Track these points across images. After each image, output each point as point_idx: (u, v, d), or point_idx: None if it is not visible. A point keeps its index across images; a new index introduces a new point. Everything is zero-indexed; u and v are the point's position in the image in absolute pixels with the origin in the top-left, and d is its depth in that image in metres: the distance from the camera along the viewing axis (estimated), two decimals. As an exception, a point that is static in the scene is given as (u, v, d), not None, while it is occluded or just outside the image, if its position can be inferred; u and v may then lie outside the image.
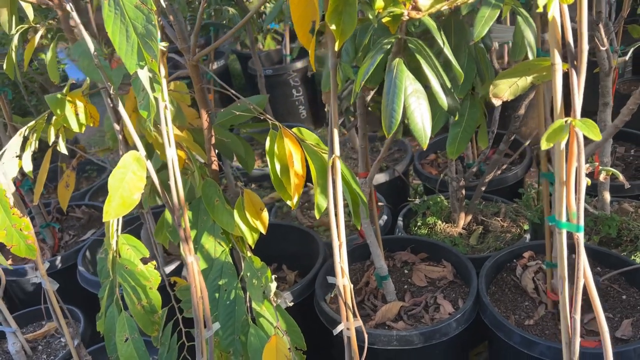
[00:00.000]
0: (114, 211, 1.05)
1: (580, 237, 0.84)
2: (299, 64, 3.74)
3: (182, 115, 1.60)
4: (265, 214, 1.39)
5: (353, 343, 1.20)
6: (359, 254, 1.86)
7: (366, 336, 1.21)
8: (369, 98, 1.79)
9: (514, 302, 1.61)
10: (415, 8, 0.78)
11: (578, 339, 0.95)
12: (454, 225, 2.00)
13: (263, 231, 1.40)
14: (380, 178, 2.38)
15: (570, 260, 1.69)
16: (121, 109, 1.12)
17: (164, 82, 1.08)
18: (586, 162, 1.69)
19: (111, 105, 1.40)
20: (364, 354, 1.21)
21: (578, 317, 0.92)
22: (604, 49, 1.66)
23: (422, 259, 1.84)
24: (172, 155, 1.13)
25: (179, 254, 2.16)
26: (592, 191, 1.97)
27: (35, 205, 2.21)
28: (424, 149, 0.91)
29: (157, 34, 0.90)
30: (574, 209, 0.84)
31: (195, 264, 1.23)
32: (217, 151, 1.62)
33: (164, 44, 1.04)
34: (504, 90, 0.87)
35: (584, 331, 1.50)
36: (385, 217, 2.11)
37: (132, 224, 2.08)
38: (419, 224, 2.06)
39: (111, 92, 1.12)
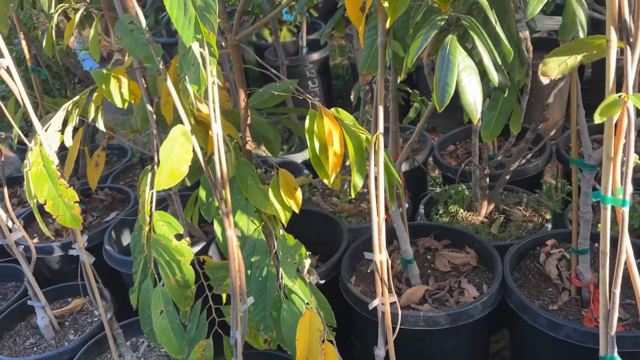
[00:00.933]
0: (164, 181, 1.08)
1: (626, 211, 0.87)
2: (315, 56, 3.77)
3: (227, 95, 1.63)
4: (299, 193, 1.42)
5: (387, 318, 1.23)
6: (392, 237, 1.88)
7: (399, 311, 1.24)
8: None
9: (537, 288, 1.64)
10: (476, -17, 0.81)
11: (616, 313, 0.97)
12: (476, 213, 2.02)
13: (296, 210, 1.43)
14: (402, 167, 2.40)
15: (594, 249, 1.71)
16: (169, 82, 1.15)
17: (210, 59, 1.10)
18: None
19: (145, 85, 1.43)
20: (397, 330, 1.24)
21: (618, 291, 0.95)
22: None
23: (444, 245, 1.87)
24: (218, 130, 1.16)
25: (202, 236, 2.20)
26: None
27: (61, 186, 2.24)
28: (475, 123, 0.93)
29: (216, 7, 0.92)
30: (619, 185, 0.87)
31: (234, 238, 1.26)
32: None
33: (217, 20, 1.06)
34: (553, 68, 0.90)
35: (608, 317, 1.53)
36: (406, 205, 2.13)
37: (158, 205, 2.11)
38: (440, 212, 2.08)
39: (160, 66, 1.15)
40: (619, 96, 0.78)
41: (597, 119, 0.78)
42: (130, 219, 2.22)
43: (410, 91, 2.26)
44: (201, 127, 1.53)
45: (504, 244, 1.84)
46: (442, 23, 0.90)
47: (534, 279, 1.67)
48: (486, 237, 1.94)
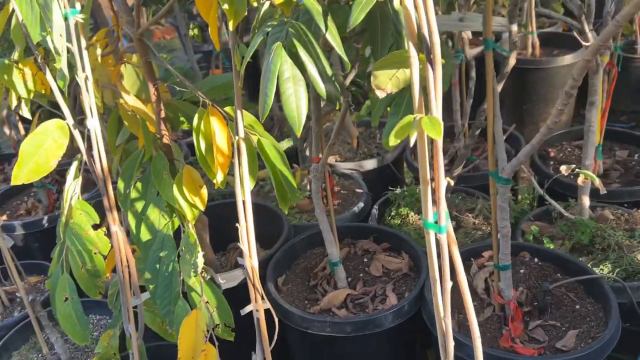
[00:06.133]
0: (24, 176, 1.09)
1: (443, 238, 0.81)
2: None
3: (147, 89, 1.62)
4: (204, 191, 1.40)
5: (262, 325, 1.21)
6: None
7: (276, 319, 1.21)
8: (348, 81, 1.77)
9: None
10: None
11: (451, 342, 0.92)
12: (427, 218, 1.95)
13: (202, 208, 1.42)
14: (369, 165, 2.35)
15: (527, 263, 1.62)
16: (49, 75, 1.15)
17: (85, 53, 1.10)
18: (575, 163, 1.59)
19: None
20: (274, 339, 1.21)
21: (449, 320, 0.89)
22: (587, 44, 1.56)
23: (384, 249, 1.82)
24: (95, 125, 1.16)
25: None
26: (575, 194, 1.88)
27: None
28: (298, 136, 0.89)
29: (52, 6, 0.91)
30: (430, 211, 0.81)
31: (119, 233, 1.27)
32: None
33: (82, 15, 1.06)
34: (385, 82, 0.84)
35: (527, 337, 1.45)
36: (361, 205, 2.09)
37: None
38: (392, 213, 2.03)
39: (39, 60, 1.16)
40: (415, 118, 0.72)
41: (391, 142, 0.73)
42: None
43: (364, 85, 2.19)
44: (131, 117, 1.54)
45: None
46: (270, 29, 0.85)
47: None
48: (432, 243, 1.87)
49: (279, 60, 0.83)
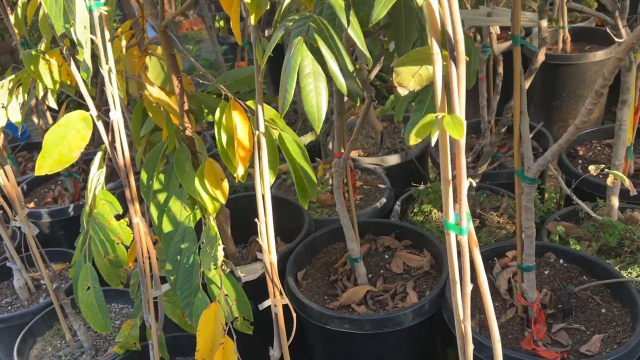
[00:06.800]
0: (48, 166, 1.10)
1: (464, 240, 0.79)
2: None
3: (171, 81, 1.63)
4: (225, 184, 1.41)
5: (280, 320, 1.20)
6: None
7: (294, 315, 1.20)
8: (372, 75, 1.75)
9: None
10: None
11: (470, 346, 0.90)
12: (450, 215, 1.93)
13: (223, 201, 1.42)
14: (392, 160, 2.33)
15: (553, 264, 1.59)
16: (74, 67, 1.16)
17: (109, 45, 1.11)
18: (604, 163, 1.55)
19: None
20: (291, 334, 1.21)
21: (468, 323, 0.87)
22: (620, 41, 1.51)
23: (405, 245, 1.80)
24: (118, 117, 1.17)
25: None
26: (604, 195, 1.82)
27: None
28: (317, 132, 0.88)
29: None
30: (451, 211, 0.79)
31: (140, 225, 1.28)
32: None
33: (106, 8, 1.06)
34: (407, 79, 0.82)
35: (549, 340, 1.42)
36: (384, 200, 2.07)
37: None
38: (415, 210, 2.00)
39: (63, 52, 1.17)
40: (436, 116, 0.70)
41: (412, 141, 0.71)
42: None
43: (389, 80, 2.17)
44: (155, 108, 1.55)
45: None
46: (291, 24, 0.84)
47: (484, 291, 1.57)
48: (454, 241, 1.85)
49: (299, 55, 0.82)
